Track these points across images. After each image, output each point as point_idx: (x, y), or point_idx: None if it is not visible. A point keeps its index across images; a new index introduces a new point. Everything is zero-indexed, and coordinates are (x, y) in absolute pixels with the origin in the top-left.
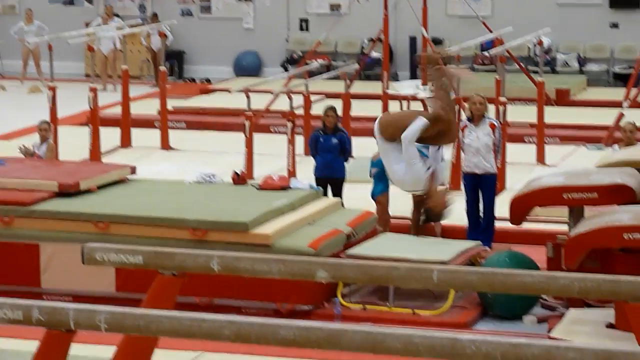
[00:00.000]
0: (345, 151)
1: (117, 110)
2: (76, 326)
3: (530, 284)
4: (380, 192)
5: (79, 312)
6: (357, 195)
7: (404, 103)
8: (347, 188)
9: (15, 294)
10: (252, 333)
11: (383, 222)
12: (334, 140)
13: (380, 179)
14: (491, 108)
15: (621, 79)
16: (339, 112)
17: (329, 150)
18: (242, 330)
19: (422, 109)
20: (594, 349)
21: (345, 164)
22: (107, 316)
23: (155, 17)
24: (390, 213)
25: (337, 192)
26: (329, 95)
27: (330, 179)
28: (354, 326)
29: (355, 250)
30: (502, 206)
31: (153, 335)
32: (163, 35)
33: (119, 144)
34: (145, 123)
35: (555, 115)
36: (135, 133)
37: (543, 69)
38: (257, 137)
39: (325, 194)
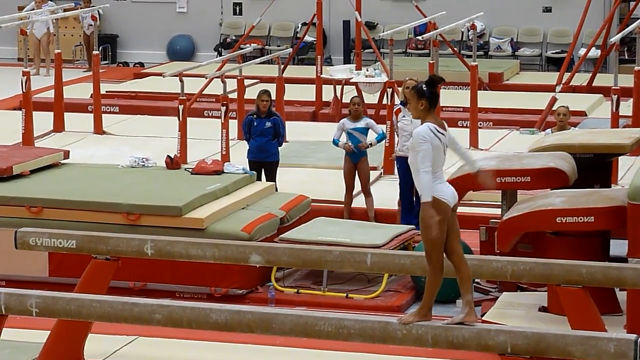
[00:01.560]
0: (278, 135)
1: (50, 95)
2: (7, 310)
3: None
4: None
5: (10, 296)
6: (291, 179)
7: (338, 87)
8: (280, 172)
9: None
10: (184, 317)
11: None
12: (268, 124)
13: None
14: None
15: (554, 63)
16: (272, 96)
17: (262, 133)
18: (173, 314)
19: (356, 94)
20: (524, 332)
21: (279, 148)
22: (37, 300)
23: (88, 1)
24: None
25: (271, 176)
26: (263, 80)
27: (264, 162)
28: (286, 310)
29: (289, 234)
30: None
31: (84, 319)
32: (95, 19)
33: (52, 128)
34: (79, 107)
35: (488, 99)
36: (69, 117)
37: (476, 53)
38: (191, 122)
39: (259, 178)
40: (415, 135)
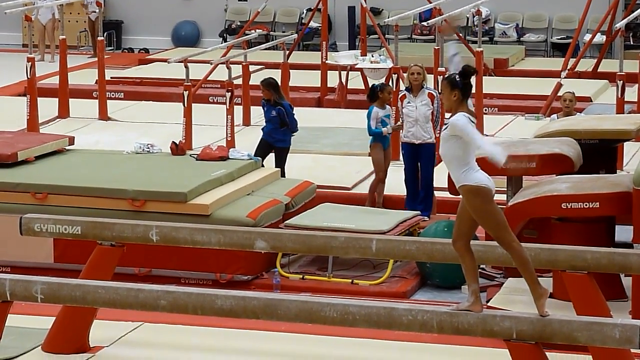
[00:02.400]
0: (285, 124)
1: (55, 81)
2: (12, 297)
3: None
4: None
5: (15, 283)
6: (296, 165)
7: (343, 73)
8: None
9: None
10: (189, 303)
11: None
12: (273, 113)
13: None
14: (430, 78)
15: (559, 49)
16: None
17: (270, 121)
18: (178, 300)
19: (361, 79)
20: (529, 318)
21: (291, 135)
22: (43, 287)
23: None
24: None
25: (279, 161)
26: (268, 66)
27: (273, 146)
28: (291, 296)
29: (294, 220)
30: (441, 176)
31: (90, 305)
32: (100, 5)
33: (57, 115)
34: (84, 93)
35: (493, 85)
36: (73, 103)
37: (481, 39)
38: (196, 108)
39: (265, 155)
40: (453, 124)
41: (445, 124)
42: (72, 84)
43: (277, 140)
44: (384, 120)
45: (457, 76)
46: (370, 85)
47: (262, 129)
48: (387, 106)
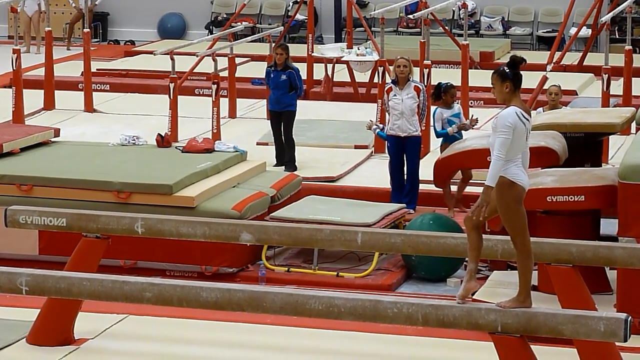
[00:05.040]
0: (295, 87)
1: (41, 72)
2: None
3: (453, 246)
4: None
5: None
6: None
7: (329, 66)
8: (269, 150)
9: None
10: (174, 295)
11: None
12: (283, 77)
13: None
14: (416, 71)
15: (545, 42)
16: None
17: (278, 86)
18: (163, 292)
19: (347, 71)
20: (514, 311)
21: (297, 99)
22: (27, 278)
23: None
24: None
25: (288, 126)
26: (254, 58)
27: (282, 112)
28: (276, 289)
29: (280, 212)
30: (426, 169)
31: (74, 297)
32: None
33: (43, 106)
34: (69, 85)
35: (479, 78)
36: (59, 95)
37: (467, 32)
38: (182, 100)
39: (279, 128)
40: (501, 119)
41: (497, 114)
42: (58, 76)
43: (287, 105)
44: (451, 119)
45: (505, 68)
46: (436, 85)
47: (268, 101)
48: (457, 105)
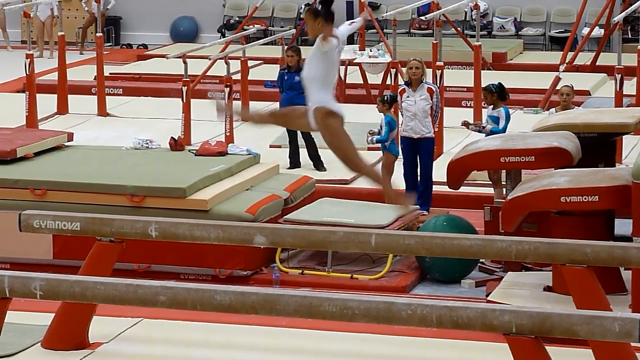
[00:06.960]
0: None
1: (54, 77)
2: (11, 293)
3: (467, 247)
4: None
5: (14, 279)
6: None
7: (342, 68)
8: (284, 153)
9: None
10: (188, 299)
11: None
12: (297, 78)
13: None
14: (429, 72)
15: (557, 43)
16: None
17: (292, 87)
18: (177, 296)
19: (359, 73)
20: (529, 312)
21: None
22: (42, 283)
23: None
24: None
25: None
26: (267, 61)
27: None
28: (290, 291)
29: (293, 215)
30: (439, 170)
31: (89, 301)
32: (98, 1)
33: (56, 111)
34: (82, 89)
35: (492, 79)
36: (72, 99)
37: (479, 33)
38: (195, 103)
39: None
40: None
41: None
42: (71, 80)
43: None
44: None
45: (318, 5)
46: (498, 84)
47: (280, 103)
48: (503, 108)
